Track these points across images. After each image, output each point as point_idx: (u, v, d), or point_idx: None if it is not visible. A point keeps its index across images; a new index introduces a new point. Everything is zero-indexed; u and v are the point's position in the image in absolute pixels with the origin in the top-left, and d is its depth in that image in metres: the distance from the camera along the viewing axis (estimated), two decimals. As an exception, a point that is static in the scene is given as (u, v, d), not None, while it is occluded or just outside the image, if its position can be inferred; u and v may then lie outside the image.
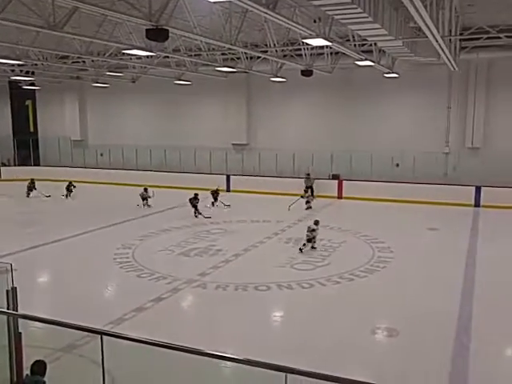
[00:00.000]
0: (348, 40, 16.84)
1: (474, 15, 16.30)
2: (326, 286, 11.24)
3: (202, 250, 14.08)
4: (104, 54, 20.08)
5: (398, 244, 14.79)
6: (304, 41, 13.68)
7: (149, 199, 20.73)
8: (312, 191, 22.02)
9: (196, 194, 18.93)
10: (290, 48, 19.20)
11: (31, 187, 23.30)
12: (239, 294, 10.61)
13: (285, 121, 26.09)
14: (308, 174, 22.80)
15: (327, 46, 16.21)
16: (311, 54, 20.35)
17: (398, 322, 9.21)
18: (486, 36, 16.89)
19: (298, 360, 7.40)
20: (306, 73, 20.53)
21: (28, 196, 23.21)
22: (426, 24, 11.40)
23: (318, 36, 13.02)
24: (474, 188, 21.11)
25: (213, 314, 9.81)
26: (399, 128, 23.75)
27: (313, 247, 14.14)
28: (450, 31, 14.31)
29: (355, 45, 17.34)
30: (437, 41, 13.62)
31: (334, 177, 23.89)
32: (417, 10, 9.98)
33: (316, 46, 18.56)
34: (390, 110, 24.23)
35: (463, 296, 10.55)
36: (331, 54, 20.72)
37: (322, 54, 20.65)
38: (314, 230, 14.14)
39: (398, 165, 23.04)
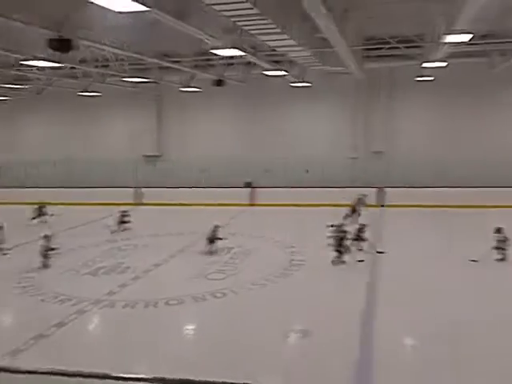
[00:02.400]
0: (259, 50, 17.07)
1: (376, 27, 17.16)
2: (239, 293, 11.21)
3: (110, 268, 13.44)
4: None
5: (308, 247, 15.08)
6: (213, 51, 13.67)
7: (47, 216, 19.06)
8: None
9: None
10: (202, 58, 19.15)
11: None
12: (149, 311, 10.27)
13: (199, 131, 25.97)
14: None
15: (239, 56, 16.34)
16: (223, 64, 20.44)
17: (310, 324, 9.38)
18: (387, 46, 17.82)
19: (210, 371, 7.50)
20: (218, 83, 20.57)
21: None
22: (332, 35, 11.81)
23: (228, 46, 13.05)
24: (376, 190, 22.04)
25: (121, 335, 9.42)
26: (311, 135, 24.48)
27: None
28: (355, 42, 14.97)
29: (266, 55, 17.62)
30: (343, 51, 14.16)
31: (247, 184, 23.95)
32: (323, 22, 10.31)
33: (227, 56, 18.65)
34: (302, 117, 24.93)
35: (368, 292, 11.07)
36: (243, 64, 20.92)
37: (234, 64, 20.81)
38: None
39: (307, 171, 23.53)
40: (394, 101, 23.61)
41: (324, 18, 9.85)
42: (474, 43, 17.85)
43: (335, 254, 12.95)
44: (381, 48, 18.79)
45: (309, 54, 15.75)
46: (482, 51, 19.60)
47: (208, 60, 20.09)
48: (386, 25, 16.78)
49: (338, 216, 15.78)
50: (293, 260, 13.87)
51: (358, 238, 13.52)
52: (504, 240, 12.89)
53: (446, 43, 13.65)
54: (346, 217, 17.15)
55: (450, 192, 21.07)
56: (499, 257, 12.93)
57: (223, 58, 19.32)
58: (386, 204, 21.53)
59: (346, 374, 7.50)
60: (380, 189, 21.96)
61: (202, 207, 21.71)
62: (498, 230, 13.02)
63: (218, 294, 11.10)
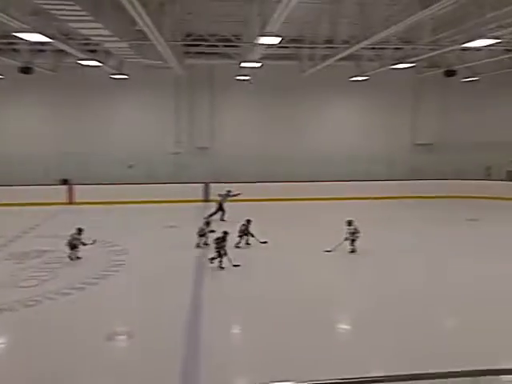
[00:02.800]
0: (72, 38, 15.91)
1: (195, 24, 17.23)
2: (56, 299, 10.41)
3: None
4: None
5: (133, 245, 14.68)
6: (17, 34, 12.32)
7: None
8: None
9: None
10: (5, 41, 17.20)
11: None
12: None
13: (8, 123, 23.45)
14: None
15: (48, 43, 15.00)
16: (30, 50, 18.66)
17: (133, 325, 9.13)
18: (206, 44, 18.02)
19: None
20: (25, 70, 18.72)
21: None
22: (149, 28, 11.48)
23: (34, 31, 11.87)
24: (202, 185, 22.51)
25: None
26: (132, 129, 23.78)
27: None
28: (174, 37, 14.79)
29: (80, 43, 16.50)
30: (161, 45, 13.89)
31: (64, 182, 22.37)
32: (138, 15, 9.94)
33: (36, 42, 17.02)
34: (123, 111, 24.09)
35: (195, 287, 11.17)
36: (54, 51, 19.33)
37: (44, 50, 19.15)
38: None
39: (130, 166, 22.89)
40: (216, 98, 24.07)
41: (137, 9, 9.48)
42: (285, 46, 19.03)
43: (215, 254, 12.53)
44: (200, 45, 18.94)
45: (126, 46, 15.17)
46: (293, 54, 20.99)
47: (11, 44, 18.08)
48: (205, 22, 16.96)
49: (170, 213, 15.49)
50: (113, 261, 13.25)
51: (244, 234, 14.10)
52: (354, 232, 13.62)
53: (259, 44, 14.21)
54: (209, 216, 16.63)
55: (276, 186, 22.57)
56: (350, 248, 13.72)
57: (31, 43, 17.62)
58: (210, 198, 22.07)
59: (173, 370, 7.39)
60: (206, 184, 22.32)
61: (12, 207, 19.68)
62: (349, 223, 13.70)
63: (31, 302, 10.12)
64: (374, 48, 19.10)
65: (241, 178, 22.05)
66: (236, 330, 9.43)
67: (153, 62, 19.14)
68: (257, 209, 20.27)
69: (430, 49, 16.63)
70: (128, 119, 24.09)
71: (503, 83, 23.83)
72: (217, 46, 18.63)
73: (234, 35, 17.87)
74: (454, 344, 8.45)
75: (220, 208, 18.40)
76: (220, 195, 18.65)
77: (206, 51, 20.46)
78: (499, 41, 13.29)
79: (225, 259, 12.29)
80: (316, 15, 17.10)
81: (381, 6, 14.21)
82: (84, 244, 13.10)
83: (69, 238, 13.05)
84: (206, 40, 17.79)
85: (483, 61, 19.09)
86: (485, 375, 3.74)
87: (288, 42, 18.58)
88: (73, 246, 12.99)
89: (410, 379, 3.77)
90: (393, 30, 12.72)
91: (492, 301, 10.53)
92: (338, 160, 23.47)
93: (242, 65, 18.74)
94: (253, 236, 14.40)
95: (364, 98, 24.86)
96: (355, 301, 10.74)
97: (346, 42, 16.86)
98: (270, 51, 18.14)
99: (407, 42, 16.98)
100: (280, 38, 12.89)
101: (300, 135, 24.50)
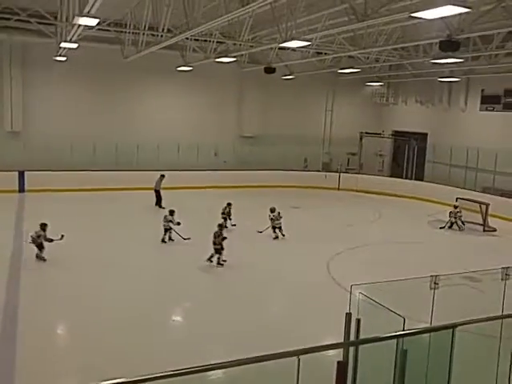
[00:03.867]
0: None
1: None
2: None
3: None
4: None
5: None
6: None
7: None
8: None
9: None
10: None
11: None
12: None
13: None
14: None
15: None
16: None
17: None
18: (15, 18, 16.34)
19: None
20: None
21: None
22: None
23: None
24: (17, 173, 20.57)
25: None
26: None
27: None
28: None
29: None
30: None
31: None
32: None
33: None
34: None
35: (9, 283, 10.46)
36: None
37: None
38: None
39: None
40: (30, 79, 21.90)
41: None
42: (106, 29, 18.19)
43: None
44: (8, 19, 17.14)
45: None
46: (115, 38, 20.08)
47: None
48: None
49: None
50: None
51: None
52: (277, 219, 14.81)
53: (77, 25, 13.27)
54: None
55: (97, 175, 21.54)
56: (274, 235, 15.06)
57: None
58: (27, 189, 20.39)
59: None
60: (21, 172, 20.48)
61: None
62: (272, 210, 14.98)
63: None
64: (197, 40, 19.22)
65: (59, 165, 20.66)
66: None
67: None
68: (77, 200, 19.28)
69: (250, 45, 17.24)
70: None
71: (316, 82, 25.85)
72: (30, 21, 17.02)
73: (49, 12, 16.46)
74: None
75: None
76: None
77: (17, 26, 18.54)
78: (309, 43, 14.23)
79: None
80: (139, 1, 16.60)
81: (202, -1, 14.29)
82: None
83: None
84: (16, 13, 16.14)
85: (298, 61, 20.41)
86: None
87: (110, 25, 17.81)
88: None
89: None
90: (213, 23, 12.86)
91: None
92: (166, 149, 23.19)
93: (61, 45, 17.35)
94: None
95: (192, 89, 24.88)
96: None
97: (170, 31, 16.67)
98: (91, 33, 17.15)
99: (229, 37, 17.36)
100: (98, 20, 12.18)
101: (125, 122, 23.52)
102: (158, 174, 19.81)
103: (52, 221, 12.50)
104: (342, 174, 25.47)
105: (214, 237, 12.34)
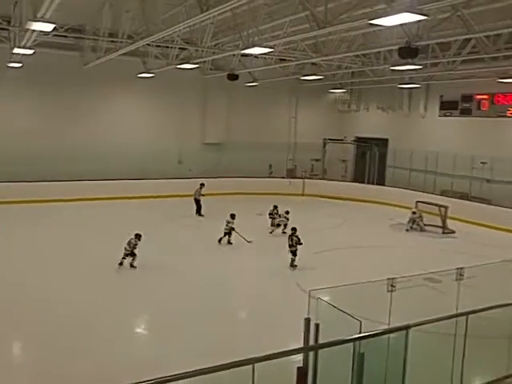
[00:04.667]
0: None
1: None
2: None
3: None
4: None
5: None
6: None
7: None
8: None
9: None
10: None
11: None
12: None
13: None
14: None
15: None
16: None
17: None
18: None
19: None
20: None
21: None
22: None
23: None
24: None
25: None
26: None
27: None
28: None
29: None
30: None
31: None
32: None
33: None
34: None
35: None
36: None
37: None
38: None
39: None
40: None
41: None
42: (64, 35, 17.83)
43: None
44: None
45: None
46: (75, 45, 19.71)
47: None
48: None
49: None
50: None
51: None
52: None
53: (31, 30, 12.93)
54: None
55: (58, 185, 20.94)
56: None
57: None
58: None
59: None
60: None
61: None
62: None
63: None
64: (159, 46, 19.06)
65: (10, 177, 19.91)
66: None
67: None
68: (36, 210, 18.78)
69: (213, 52, 17.21)
70: None
71: (280, 89, 26.00)
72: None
73: (2, 16, 15.98)
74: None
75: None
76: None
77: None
78: (272, 50, 14.29)
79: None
80: (99, 6, 16.38)
81: (163, 5, 14.19)
82: None
83: None
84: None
85: (261, 68, 20.48)
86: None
87: (68, 31, 17.46)
88: None
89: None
90: (174, 29, 12.77)
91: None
92: (129, 158, 22.79)
93: (15, 51, 16.84)
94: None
95: (154, 96, 24.54)
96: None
97: (130, 38, 16.49)
98: (47, 39, 16.75)
99: (191, 44, 17.28)
100: (53, 26, 11.90)
101: (85, 131, 22.82)
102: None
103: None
104: (306, 180, 25.62)
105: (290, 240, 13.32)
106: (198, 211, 19.56)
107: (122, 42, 16.74)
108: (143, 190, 22.17)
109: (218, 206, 19.89)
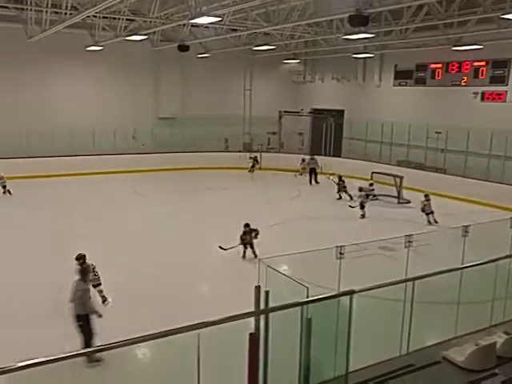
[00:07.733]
0: None
1: None
2: None
3: None
4: None
5: None
6: None
7: None
8: None
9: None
10: None
11: None
12: None
13: None
14: None
15: None
16: None
17: None
18: None
19: None
20: None
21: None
22: None
23: None
24: None
25: None
26: None
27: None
28: None
29: None
30: None
31: None
32: None
33: None
34: None
35: None
36: None
37: None
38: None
39: None
40: None
41: None
42: (5, 6, 16.94)
43: None
44: None
45: None
46: (16, 16, 18.70)
47: None
48: None
49: None
50: None
51: None
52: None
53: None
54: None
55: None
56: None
57: None
58: None
59: None
60: None
61: None
62: None
63: None
64: (106, 17, 18.30)
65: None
66: None
67: None
68: None
69: (161, 23, 16.64)
70: None
71: (233, 61, 25.56)
72: None
73: None
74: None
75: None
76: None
77: None
78: (221, 19, 13.90)
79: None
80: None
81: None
82: None
83: None
84: None
85: (212, 38, 19.95)
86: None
87: (10, 1, 16.57)
88: None
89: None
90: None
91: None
92: (80, 133, 22.04)
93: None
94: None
95: (104, 70, 23.69)
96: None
97: (75, 9, 15.73)
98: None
99: (139, 15, 16.65)
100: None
101: (32, 107, 21.92)
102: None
103: None
104: (262, 153, 25.43)
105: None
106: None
107: (66, 13, 15.98)
108: (96, 167, 21.63)
109: (170, 181, 19.53)
